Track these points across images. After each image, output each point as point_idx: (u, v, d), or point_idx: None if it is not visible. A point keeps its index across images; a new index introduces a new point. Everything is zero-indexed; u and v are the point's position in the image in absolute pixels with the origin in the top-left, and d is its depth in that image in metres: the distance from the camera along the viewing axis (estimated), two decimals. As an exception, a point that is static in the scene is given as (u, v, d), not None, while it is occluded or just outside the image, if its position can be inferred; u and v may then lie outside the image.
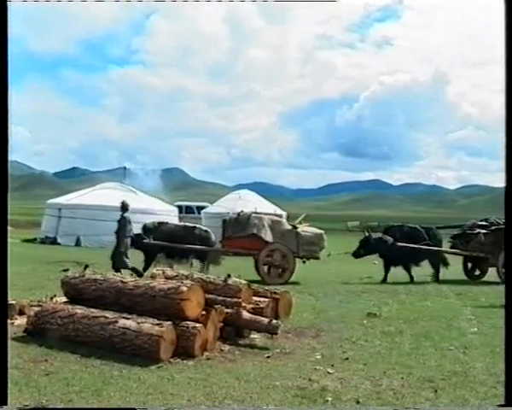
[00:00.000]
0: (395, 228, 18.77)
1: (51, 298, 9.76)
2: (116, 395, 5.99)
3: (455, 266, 18.53)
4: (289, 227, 16.96)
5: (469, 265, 19.05)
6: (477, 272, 18.86)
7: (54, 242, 29.28)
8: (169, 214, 29.94)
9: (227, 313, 8.60)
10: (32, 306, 9.51)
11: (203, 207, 40.17)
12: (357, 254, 18.04)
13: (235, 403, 5.90)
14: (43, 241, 30.20)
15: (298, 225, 17.19)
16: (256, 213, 18.12)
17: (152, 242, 16.35)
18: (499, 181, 4.64)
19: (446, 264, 18.29)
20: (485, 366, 7.44)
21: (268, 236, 16.57)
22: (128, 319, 7.79)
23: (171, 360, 7.36)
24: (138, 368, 6.96)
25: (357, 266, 19.22)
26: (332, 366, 7.40)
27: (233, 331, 8.72)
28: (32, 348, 7.74)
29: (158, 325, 7.52)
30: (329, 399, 6.10)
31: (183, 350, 7.56)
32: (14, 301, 9.60)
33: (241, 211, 18.13)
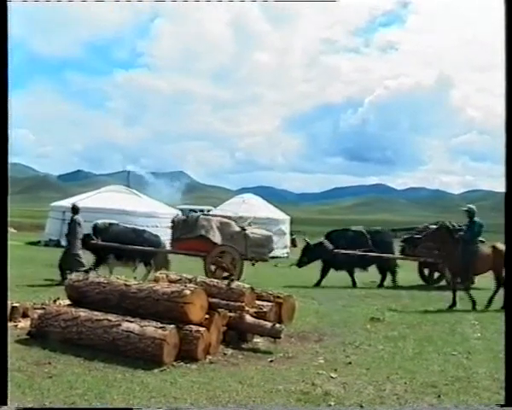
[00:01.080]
0: (339, 232, 18.69)
1: (55, 301, 9.78)
2: (119, 397, 6.00)
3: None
4: (238, 229, 16.76)
5: (426, 270, 18.94)
6: (435, 276, 18.78)
7: (58, 244, 29.22)
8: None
9: (230, 316, 8.60)
10: (35, 308, 9.52)
11: (207, 211, 40.18)
12: (300, 263, 17.94)
13: (238, 407, 5.90)
14: (47, 243, 30.19)
15: (247, 227, 17.07)
16: (205, 214, 18.03)
17: (100, 243, 16.17)
18: (504, 186, 4.64)
19: (394, 269, 18.06)
20: (489, 372, 7.43)
21: (216, 237, 16.46)
22: (131, 322, 7.79)
23: (175, 363, 7.36)
24: (141, 371, 6.96)
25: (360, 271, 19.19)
26: (335, 370, 7.40)
27: (236, 335, 8.72)
28: (36, 350, 7.74)
29: (161, 328, 7.52)
30: (332, 403, 6.10)
31: (187, 354, 7.56)
32: (17, 304, 9.61)
33: (191, 212, 18.05)
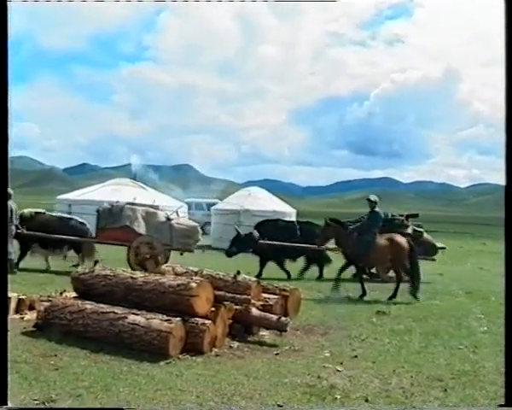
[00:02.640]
0: (269, 223, 18.44)
1: (61, 293, 9.78)
2: (125, 390, 6.01)
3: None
4: (163, 219, 16.62)
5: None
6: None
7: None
8: (178, 211, 29.90)
9: (236, 309, 8.60)
10: (41, 301, 9.55)
11: (213, 204, 40.09)
12: (229, 253, 17.69)
13: (244, 400, 5.90)
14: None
15: (172, 218, 16.98)
16: (130, 204, 17.91)
17: (25, 232, 16.09)
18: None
19: (322, 262, 17.60)
20: (495, 366, 7.41)
21: (141, 228, 16.33)
22: (137, 314, 7.80)
23: (180, 356, 7.37)
24: (147, 364, 6.97)
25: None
26: (341, 363, 7.40)
27: (242, 328, 8.72)
28: (42, 342, 7.77)
29: (167, 321, 7.53)
30: (338, 397, 6.10)
31: (192, 346, 7.57)
32: (24, 296, 9.65)
33: (117, 202, 17.91)
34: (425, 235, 17.90)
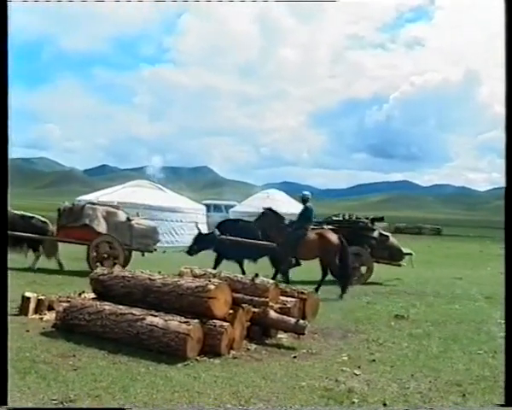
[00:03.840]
0: (230, 222, 18.24)
1: (80, 294, 9.85)
2: (143, 391, 6.02)
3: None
4: (123, 219, 16.59)
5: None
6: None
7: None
8: (197, 213, 29.97)
9: (254, 312, 8.61)
10: (60, 301, 9.60)
11: (231, 206, 40.20)
12: (190, 251, 17.10)
13: (262, 403, 5.90)
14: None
15: (132, 218, 16.93)
16: (91, 203, 17.87)
17: None
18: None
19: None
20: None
21: (101, 227, 16.33)
22: (155, 316, 7.82)
23: (198, 358, 7.38)
24: (165, 365, 6.99)
25: (383, 268, 19.07)
26: (359, 367, 7.37)
27: (260, 331, 8.72)
28: (61, 343, 7.81)
29: (185, 322, 7.54)
30: (356, 401, 6.08)
31: (210, 349, 7.58)
32: (43, 297, 9.71)
33: (78, 200, 17.87)
34: (391, 239, 17.75)
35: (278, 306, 9.11)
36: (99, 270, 9.74)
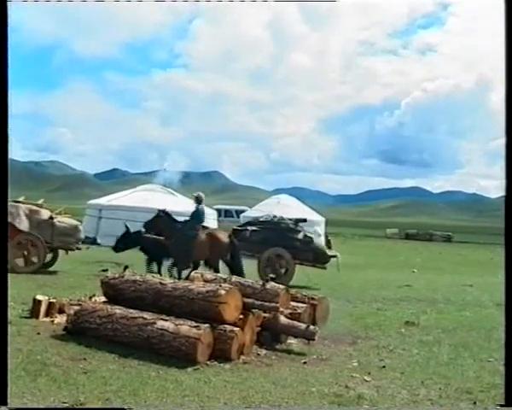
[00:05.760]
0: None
1: (90, 297, 9.87)
2: (153, 395, 6.03)
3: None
4: (46, 217, 16.57)
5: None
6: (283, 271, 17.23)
7: (94, 242, 29.45)
8: (208, 218, 29.98)
9: (264, 317, 8.61)
10: (71, 305, 9.63)
11: (242, 211, 40.19)
12: (116, 248, 17.23)
13: (272, 408, 5.90)
14: (83, 241, 30.39)
15: (54, 216, 16.88)
16: (16, 201, 17.81)
17: None
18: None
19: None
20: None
21: (22, 224, 16.30)
22: (166, 320, 7.83)
23: (208, 362, 7.38)
24: (175, 370, 7.00)
25: (395, 274, 19.09)
26: (369, 373, 7.35)
27: (270, 336, 8.73)
28: (71, 346, 7.83)
29: (195, 327, 7.55)
30: (366, 407, 6.07)
31: (220, 353, 7.58)
32: (54, 300, 9.75)
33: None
34: (316, 241, 17.62)
35: (288, 311, 9.11)
36: (109, 274, 9.77)
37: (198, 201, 14.93)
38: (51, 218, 16.82)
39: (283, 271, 16.69)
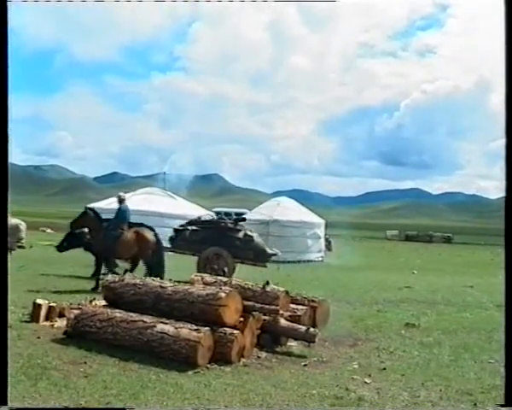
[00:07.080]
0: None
1: (91, 301, 9.87)
2: (153, 398, 6.03)
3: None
4: None
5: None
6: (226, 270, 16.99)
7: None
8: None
9: (264, 320, 8.60)
10: (71, 308, 9.62)
11: (242, 214, 40.18)
12: (60, 247, 17.15)
13: (272, 410, 5.90)
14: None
15: None
16: None
17: None
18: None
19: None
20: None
21: None
22: (166, 323, 7.83)
23: (208, 365, 7.38)
24: (175, 373, 6.99)
25: (395, 275, 19.09)
26: (369, 375, 7.35)
27: (270, 339, 8.72)
28: (72, 350, 7.82)
29: (196, 330, 7.55)
30: (366, 409, 6.06)
31: (221, 356, 7.58)
32: (54, 304, 9.74)
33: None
34: (256, 240, 17.56)
35: (289, 314, 9.11)
36: (110, 277, 9.77)
37: (120, 200, 15.14)
38: None
39: (222, 270, 16.62)
